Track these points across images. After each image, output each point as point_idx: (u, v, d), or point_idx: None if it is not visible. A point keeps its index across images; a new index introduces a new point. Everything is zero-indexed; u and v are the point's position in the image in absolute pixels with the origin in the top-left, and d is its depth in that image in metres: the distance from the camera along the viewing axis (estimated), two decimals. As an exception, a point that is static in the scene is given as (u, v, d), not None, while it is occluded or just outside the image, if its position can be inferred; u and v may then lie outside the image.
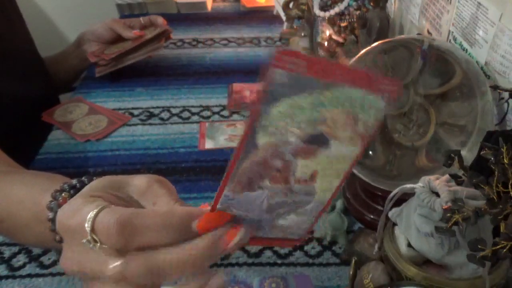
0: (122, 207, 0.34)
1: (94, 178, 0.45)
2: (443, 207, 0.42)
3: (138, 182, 0.37)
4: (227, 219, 0.34)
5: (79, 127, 0.91)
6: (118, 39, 1.10)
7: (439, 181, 0.45)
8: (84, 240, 0.33)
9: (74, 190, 0.45)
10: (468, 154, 0.60)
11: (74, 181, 0.46)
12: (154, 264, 0.32)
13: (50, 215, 0.44)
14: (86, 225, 0.33)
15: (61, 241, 0.44)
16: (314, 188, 0.34)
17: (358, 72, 0.30)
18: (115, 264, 0.33)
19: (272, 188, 0.33)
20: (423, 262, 0.47)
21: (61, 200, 0.45)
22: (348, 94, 0.30)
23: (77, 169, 0.82)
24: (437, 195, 0.44)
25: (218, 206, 0.34)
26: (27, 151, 0.87)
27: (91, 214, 0.33)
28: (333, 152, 0.32)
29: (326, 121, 0.30)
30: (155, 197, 0.36)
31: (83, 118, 0.94)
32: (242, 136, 0.30)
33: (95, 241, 0.33)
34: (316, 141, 0.31)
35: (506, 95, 0.59)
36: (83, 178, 0.46)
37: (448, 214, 0.41)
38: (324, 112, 0.30)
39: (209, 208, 0.34)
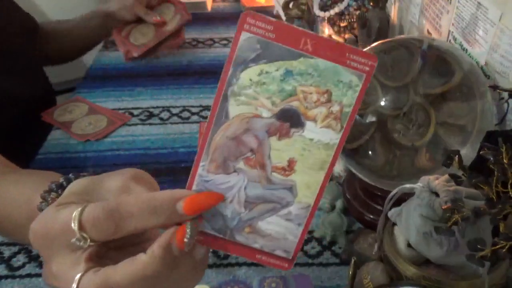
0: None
1: (81, 174, 0.45)
2: (443, 207, 0.42)
3: (111, 184, 0.37)
4: (216, 200, 0.33)
5: (79, 127, 0.91)
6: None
7: (439, 181, 0.45)
8: (74, 239, 0.33)
9: (62, 190, 0.44)
10: (468, 154, 0.60)
11: (61, 179, 0.45)
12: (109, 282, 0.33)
13: None
14: (72, 224, 0.33)
15: None
16: (294, 182, 0.33)
17: (329, 42, 0.29)
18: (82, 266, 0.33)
19: (248, 172, 0.33)
20: (423, 262, 0.47)
21: (50, 201, 0.44)
22: (317, 66, 0.30)
23: (77, 169, 0.82)
24: (437, 195, 0.44)
25: (193, 187, 0.33)
26: (27, 151, 0.88)
27: (76, 213, 0.33)
28: (309, 135, 0.32)
29: (297, 95, 0.31)
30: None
31: (82, 118, 0.94)
32: (214, 100, 0.31)
33: (85, 239, 0.33)
34: (289, 118, 0.31)
35: (506, 95, 0.59)
36: (69, 175, 0.46)
37: (448, 214, 0.41)
38: (294, 85, 0.30)
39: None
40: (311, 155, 0.32)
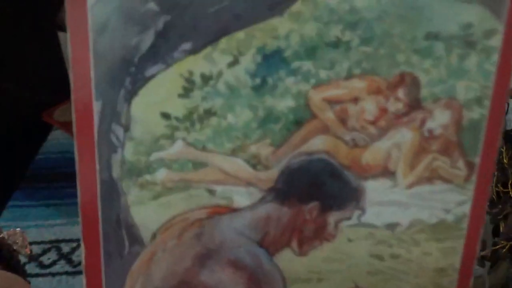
0: None
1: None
2: (443, 207, 0.42)
3: None
4: None
5: (79, 127, 0.91)
6: None
7: (439, 181, 0.45)
8: None
9: None
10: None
11: None
12: None
13: None
14: None
15: None
16: None
17: None
18: None
19: None
20: (423, 262, 0.47)
21: None
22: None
23: (77, 169, 0.81)
24: (437, 195, 0.44)
25: None
26: (27, 151, 0.87)
27: None
28: (380, 221, 0.18)
29: (315, 115, 0.16)
30: None
31: (83, 118, 0.94)
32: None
33: None
34: (314, 189, 0.18)
35: (506, 95, 0.59)
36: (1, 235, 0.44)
37: (448, 214, 0.41)
38: (305, 90, 0.18)
39: None
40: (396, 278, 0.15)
